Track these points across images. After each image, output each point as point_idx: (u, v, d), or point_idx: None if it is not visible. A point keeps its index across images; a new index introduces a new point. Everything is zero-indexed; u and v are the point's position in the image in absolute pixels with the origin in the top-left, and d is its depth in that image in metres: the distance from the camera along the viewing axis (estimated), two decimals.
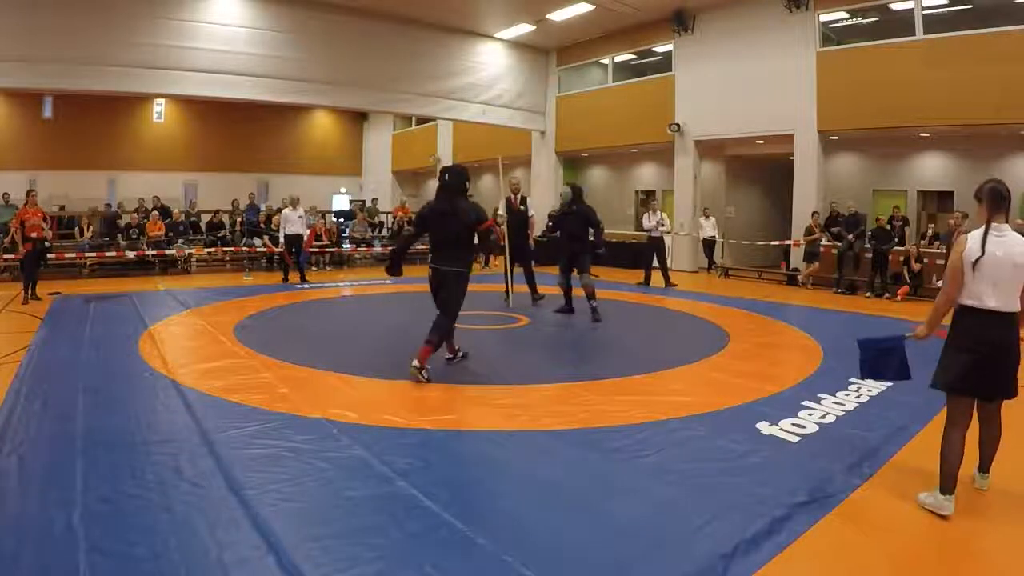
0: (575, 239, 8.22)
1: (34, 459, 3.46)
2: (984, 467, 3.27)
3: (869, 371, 3.57)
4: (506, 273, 9.38)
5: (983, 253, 2.95)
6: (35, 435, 3.82)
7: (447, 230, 5.17)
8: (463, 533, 2.71)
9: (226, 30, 12.86)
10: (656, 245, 12.24)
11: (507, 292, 9.36)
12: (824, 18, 12.66)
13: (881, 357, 3.45)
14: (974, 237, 3.04)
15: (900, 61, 11.40)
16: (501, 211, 9.41)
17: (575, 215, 8.22)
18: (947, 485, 3.00)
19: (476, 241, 5.35)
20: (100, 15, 11.56)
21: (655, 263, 12.19)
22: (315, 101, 16.46)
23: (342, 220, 17.19)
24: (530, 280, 9.52)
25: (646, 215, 12.35)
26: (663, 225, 12.27)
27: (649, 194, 18.01)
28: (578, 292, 8.26)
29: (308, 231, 12.74)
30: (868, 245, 11.24)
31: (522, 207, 9.59)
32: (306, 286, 11.30)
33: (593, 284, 8.14)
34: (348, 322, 8.62)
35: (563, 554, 2.59)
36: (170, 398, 4.62)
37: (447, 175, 5.31)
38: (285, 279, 11.83)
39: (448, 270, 5.17)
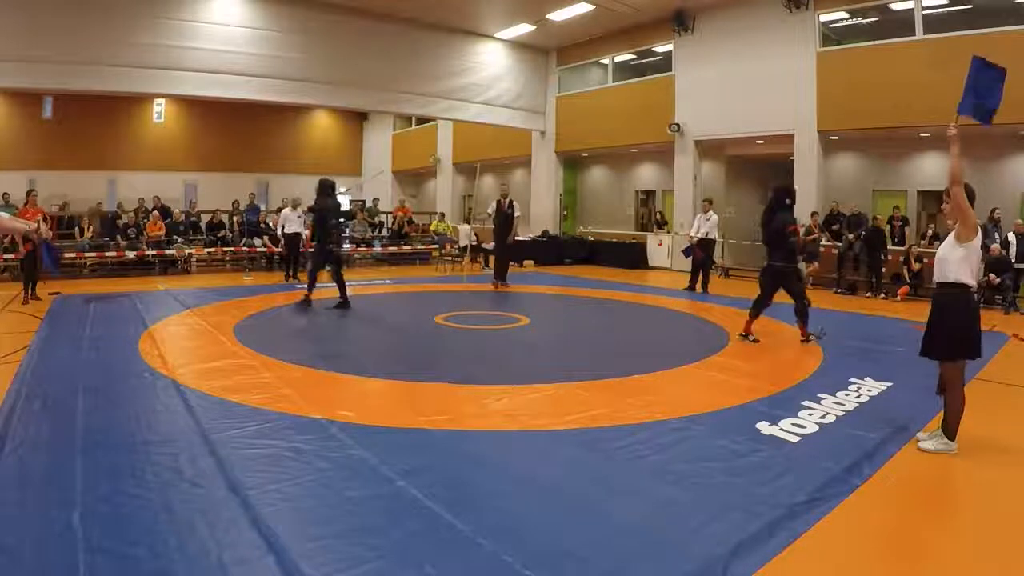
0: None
1: (34, 459, 3.46)
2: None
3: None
4: (497, 263, 11.46)
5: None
6: (35, 435, 3.81)
7: (771, 233, 6.78)
8: (463, 533, 2.71)
9: (226, 30, 12.87)
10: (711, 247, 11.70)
11: (496, 275, 11.41)
12: (824, 18, 12.67)
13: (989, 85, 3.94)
14: None
15: (900, 61, 11.40)
16: (490, 211, 11.21)
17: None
18: (956, 432, 3.75)
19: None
20: (100, 15, 11.57)
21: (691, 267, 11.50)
22: (315, 101, 16.47)
23: (342, 220, 17.15)
24: (502, 267, 11.36)
25: (708, 218, 11.40)
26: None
27: (650, 194, 18.06)
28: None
29: (307, 231, 12.80)
30: (858, 249, 11.23)
31: (509, 210, 11.10)
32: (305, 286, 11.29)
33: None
34: (348, 322, 8.61)
35: (563, 554, 2.59)
36: (170, 398, 4.61)
37: (775, 191, 6.99)
38: (287, 278, 11.93)
39: (779, 266, 6.75)
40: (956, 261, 3.73)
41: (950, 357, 3.75)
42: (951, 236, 3.81)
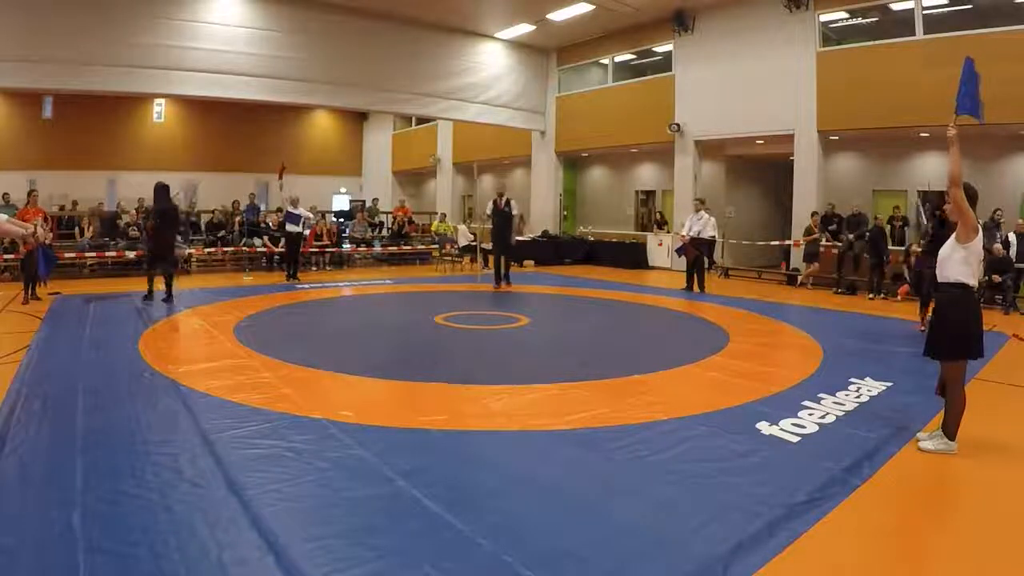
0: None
1: (34, 459, 3.46)
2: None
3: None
4: (497, 262, 11.43)
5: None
6: (35, 435, 3.81)
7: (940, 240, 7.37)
8: (463, 533, 2.71)
9: (226, 30, 12.87)
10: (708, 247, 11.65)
11: (496, 276, 11.37)
12: (824, 18, 12.66)
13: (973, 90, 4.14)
14: None
15: (900, 61, 11.40)
16: (488, 211, 11.26)
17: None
18: (956, 432, 3.75)
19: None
20: (100, 15, 11.57)
21: (690, 266, 11.43)
22: (315, 101, 16.47)
23: (342, 220, 17.18)
24: (504, 267, 11.32)
25: (700, 217, 11.40)
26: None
27: (650, 194, 18.06)
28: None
29: (308, 230, 12.91)
30: (858, 249, 11.24)
31: (506, 208, 11.14)
32: (305, 286, 11.32)
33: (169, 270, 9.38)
34: (348, 322, 8.61)
35: (563, 554, 2.59)
36: (170, 398, 4.61)
37: (925, 202, 7.48)
38: (288, 278, 12.00)
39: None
40: (957, 262, 3.76)
41: (951, 357, 3.77)
42: (952, 237, 3.82)
